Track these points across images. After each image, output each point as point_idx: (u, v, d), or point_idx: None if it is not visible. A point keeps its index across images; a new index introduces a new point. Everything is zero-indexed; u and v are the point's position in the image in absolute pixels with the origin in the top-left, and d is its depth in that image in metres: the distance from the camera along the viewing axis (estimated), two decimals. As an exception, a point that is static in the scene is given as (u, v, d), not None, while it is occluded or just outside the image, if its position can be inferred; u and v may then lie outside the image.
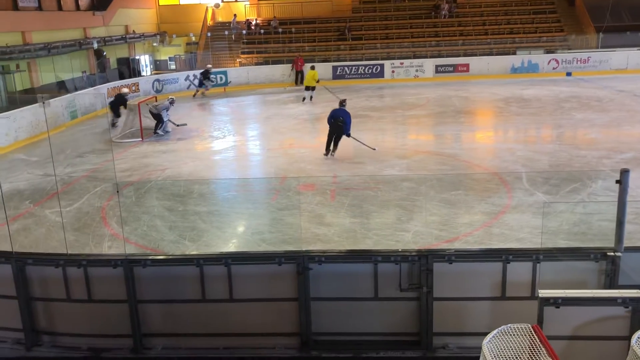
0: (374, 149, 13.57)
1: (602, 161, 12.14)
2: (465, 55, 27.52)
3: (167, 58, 31.06)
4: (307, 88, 22.07)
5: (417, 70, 26.87)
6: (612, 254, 5.46)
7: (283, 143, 15.61)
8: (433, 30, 29.57)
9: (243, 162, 14.60)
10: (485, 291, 5.65)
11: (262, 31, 30.92)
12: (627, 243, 5.65)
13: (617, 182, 5.46)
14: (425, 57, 27.47)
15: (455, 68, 26.89)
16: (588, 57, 26.35)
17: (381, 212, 9.82)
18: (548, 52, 27.14)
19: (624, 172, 5.43)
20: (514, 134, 16.00)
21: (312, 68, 22.77)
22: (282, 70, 27.29)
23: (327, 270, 5.77)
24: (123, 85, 22.67)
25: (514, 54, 27.13)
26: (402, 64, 27.01)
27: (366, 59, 28.00)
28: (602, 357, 4.71)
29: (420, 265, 5.58)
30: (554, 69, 25.94)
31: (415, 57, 27.46)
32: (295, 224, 9.11)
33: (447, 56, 27.55)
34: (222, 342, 5.91)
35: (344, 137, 13.45)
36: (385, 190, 10.88)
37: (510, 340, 4.03)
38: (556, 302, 4.76)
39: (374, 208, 10.00)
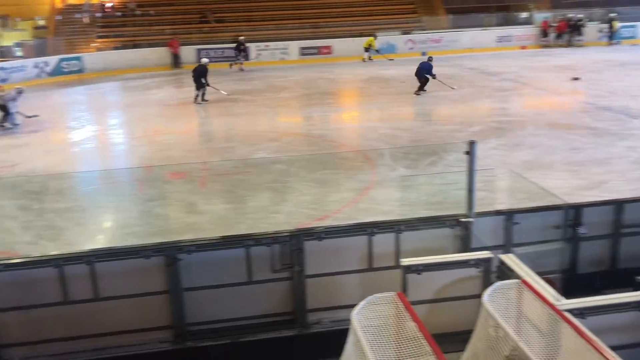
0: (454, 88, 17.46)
1: (455, 134, 13.06)
2: (328, 37, 28.09)
3: (13, 44, 28.34)
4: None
5: (282, 53, 26.98)
6: (465, 220, 5.92)
7: (148, 130, 14.99)
8: (296, 13, 29.81)
9: (105, 153, 13.82)
10: (354, 264, 5.88)
11: (118, 14, 29.24)
12: (478, 209, 6.15)
13: (466, 153, 5.90)
14: (290, 39, 27.66)
15: (319, 50, 27.40)
16: (440, 37, 28.11)
17: (254, 195, 9.82)
18: (404, 33, 28.52)
19: (472, 144, 5.87)
20: (377, 113, 16.69)
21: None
22: (149, 54, 26.06)
23: (199, 259, 5.67)
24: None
25: (373, 35, 28.16)
26: (267, 46, 26.99)
27: (231, 42, 27.60)
28: (459, 316, 5.10)
29: (292, 245, 5.67)
30: (410, 49, 27.34)
31: (280, 39, 27.54)
32: (165, 214, 8.84)
33: (311, 38, 27.95)
34: (90, 343, 5.60)
35: None
36: (257, 174, 10.89)
37: (377, 310, 4.23)
38: (417, 269, 5.07)
39: (247, 192, 9.97)
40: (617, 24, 28.67)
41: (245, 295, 5.78)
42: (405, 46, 27.79)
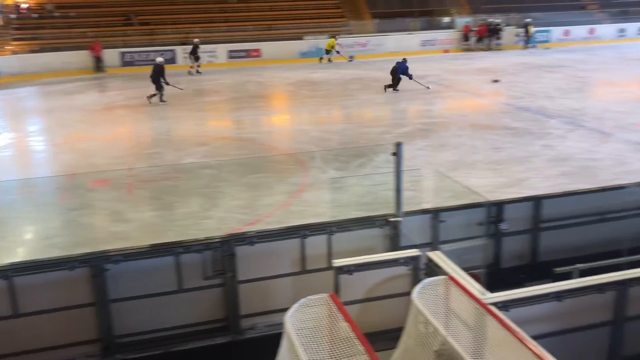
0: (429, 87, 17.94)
1: (384, 136, 13.31)
2: (256, 40, 27.98)
3: None
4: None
5: (210, 56, 26.62)
6: (394, 219, 6.05)
7: (69, 137, 14.38)
8: (223, 16, 29.49)
9: (23, 161, 13.14)
10: (287, 267, 5.88)
11: (35, 15, 27.88)
12: (406, 208, 6.31)
13: (393, 154, 6.04)
14: (218, 42, 27.33)
15: (247, 53, 27.24)
16: (367, 41, 28.62)
17: (183, 202, 9.61)
18: (332, 37, 28.83)
19: (398, 145, 6.02)
20: (307, 116, 16.76)
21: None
22: (70, 58, 24.99)
23: (127, 268, 5.50)
24: None
25: (301, 39, 28.34)
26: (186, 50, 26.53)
27: (157, 45, 26.95)
28: (390, 314, 5.22)
29: (223, 251, 5.60)
30: (338, 52, 27.66)
31: (207, 42, 27.14)
32: (90, 224, 8.51)
33: (239, 41, 27.75)
34: (11, 363, 5.31)
35: None
36: (186, 179, 10.68)
37: (310, 312, 4.25)
38: (349, 270, 5.14)
39: (176, 199, 9.75)
40: (532, 29, 30.19)
41: (176, 303, 5.66)
42: (333, 50, 28.09)
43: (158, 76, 17.68)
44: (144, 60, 25.90)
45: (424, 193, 7.45)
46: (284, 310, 4.37)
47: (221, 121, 16.81)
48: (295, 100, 19.31)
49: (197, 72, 24.68)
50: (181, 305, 5.68)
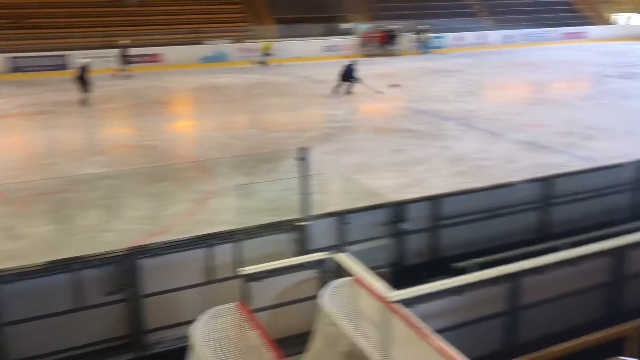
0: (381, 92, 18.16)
1: (290, 141, 13.39)
2: (157, 45, 27.17)
3: None
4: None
5: (105, 61, 25.49)
6: (301, 223, 6.10)
7: (-50, 150, 13.26)
8: (120, 20, 28.39)
9: None
10: (194, 278, 5.75)
11: None
12: (314, 212, 6.37)
13: (299, 159, 6.10)
14: (116, 47, 26.23)
15: (148, 58, 26.38)
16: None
17: (82, 214, 9.15)
18: (235, 41, 28.64)
19: (304, 150, 6.09)
20: (211, 122, 16.50)
21: None
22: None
23: (20, 288, 5.13)
24: None
25: (203, 43, 27.89)
26: (88, 55, 25.30)
27: (49, 50, 25.44)
28: (300, 318, 5.24)
29: (125, 264, 5.38)
30: (242, 57, 27.49)
31: (105, 47, 25.99)
32: (-24, 242, 7.88)
33: (139, 46, 26.81)
34: None
35: None
36: (85, 191, 10.16)
37: (218, 322, 4.19)
38: (257, 277, 5.12)
39: (74, 211, 9.26)
40: (428, 35, 31.57)
41: (76, 323, 5.36)
42: (237, 54, 27.91)
43: (82, 78, 17.46)
44: (35, 67, 24.41)
45: (330, 196, 7.58)
46: (192, 322, 4.28)
47: (121, 129, 16.18)
48: (199, 106, 18.97)
49: (129, 76, 23.85)
50: (81, 324, 5.38)
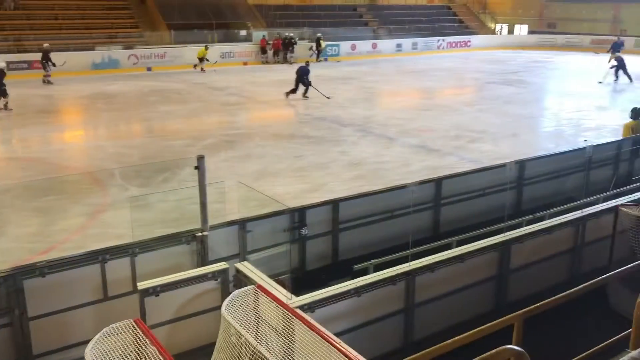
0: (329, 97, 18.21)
1: (188, 149, 13.11)
2: (41, 51, 25.54)
3: None
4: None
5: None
6: (200, 234, 5.98)
7: None
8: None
9: None
10: (87, 296, 5.45)
11: None
12: (213, 221, 6.27)
13: (196, 167, 5.97)
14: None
15: (30, 65, 24.74)
16: (164, 53, 27.91)
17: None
18: (127, 47, 27.60)
19: (200, 159, 5.97)
20: (103, 131, 15.80)
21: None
22: None
23: None
24: None
25: (93, 49, 26.63)
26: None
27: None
28: (202, 330, 5.13)
29: (8, 286, 5.00)
30: (134, 64, 26.57)
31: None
32: None
33: (19, 52, 25.10)
34: None
35: None
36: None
37: (114, 340, 3.99)
38: (155, 291, 4.95)
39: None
40: (324, 43, 32.17)
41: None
42: (129, 61, 26.91)
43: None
44: None
45: (230, 205, 7.47)
46: (86, 342, 4.05)
47: (2, 140, 15.04)
48: (90, 115, 18.06)
49: (49, 81, 22.96)
50: (-41, 355, 4.94)
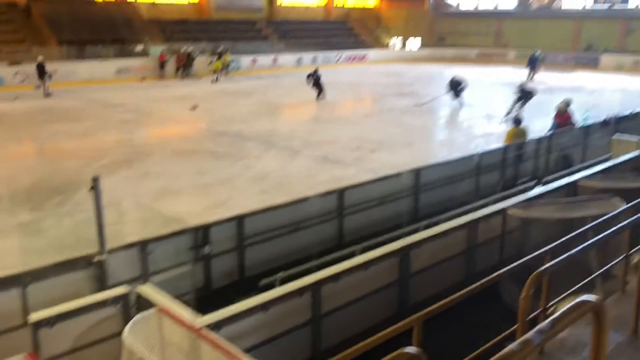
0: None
1: (83, 170, 12.49)
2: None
3: None
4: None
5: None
6: (98, 258, 5.74)
7: None
8: None
9: None
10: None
11: None
12: (112, 244, 6.03)
13: (91, 189, 5.74)
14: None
15: None
16: (55, 69, 26.48)
17: None
18: (13, 64, 25.94)
19: (95, 180, 5.75)
20: (-12, 154, 14.73)
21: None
22: None
23: None
24: None
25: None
26: None
27: None
28: (105, 359, 4.92)
29: None
30: (22, 81, 25.01)
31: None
32: None
33: None
34: None
35: None
36: None
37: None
38: (50, 322, 4.69)
39: None
40: (229, 57, 31.87)
41: None
42: (16, 79, 25.31)
43: None
44: None
45: (130, 226, 7.24)
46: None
47: None
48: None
49: (48, 93, 23.17)
50: None
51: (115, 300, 5.05)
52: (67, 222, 9.55)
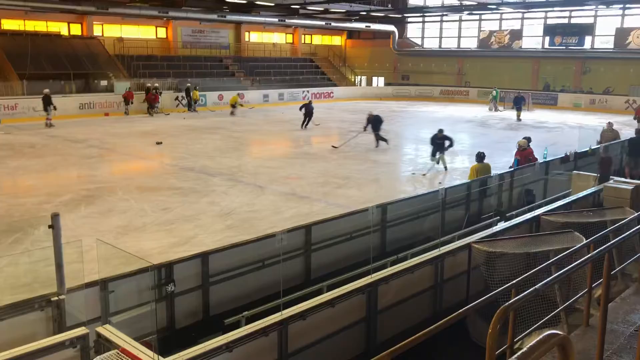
0: None
1: (43, 206, 12.19)
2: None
3: None
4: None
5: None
6: (56, 298, 5.53)
7: None
8: None
9: None
10: None
11: None
12: (71, 283, 5.82)
13: (50, 226, 5.57)
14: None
15: None
16: (15, 104, 26.04)
17: None
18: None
19: (55, 216, 5.58)
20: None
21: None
22: None
23: None
24: None
25: None
26: None
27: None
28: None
29: None
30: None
31: None
32: None
33: None
34: None
35: None
36: None
37: None
38: (4, 366, 4.46)
39: None
40: (197, 93, 31.87)
41: None
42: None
43: None
44: None
45: (90, 264, 7.01)
46: None
47: None
48: None
49: (51, 124, 24.20)
50: None
51: (73, 341, 4.84)
52: (24, 261, 9.23)
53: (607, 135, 16.75)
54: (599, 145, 15.16)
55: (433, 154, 16.69)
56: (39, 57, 29.28)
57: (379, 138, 20.48)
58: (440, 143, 16.43)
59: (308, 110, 25.27)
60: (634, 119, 25.84)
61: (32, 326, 5.46)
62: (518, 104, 30.67)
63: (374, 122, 20.65)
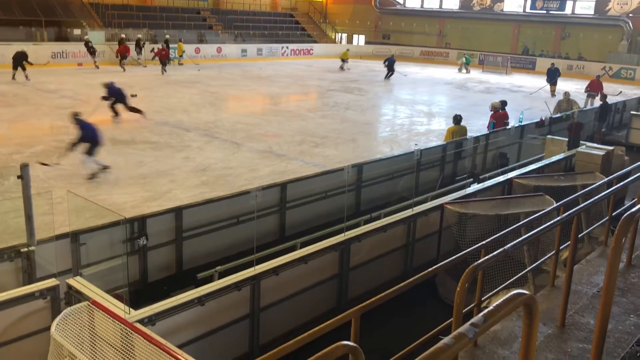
0: None
1: (13, 157, 11.93)
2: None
3: None
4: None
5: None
6: (26, 249, 5.47)
7: None
8: None
9: None
10: None
11: None
12: (42, 234, 5.76)
13: (19, 177, 5.47)
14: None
15: None
16: (-16, 51, 25.14)
17: None
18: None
19: (24, 167, 5.48)
20: None
21: None
22: None
23: None
24: None
25: None
26: None
27: None
28: (32, 355, 4.69)
29: None
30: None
31: None
32: None
33: None
34: None
35: None
36: None
37: None
38: (-29, 316, 4.43)
39: None
40: (182, 46, 30.86)
41: None
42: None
43: None
44: None
45: (62, 216, 6.92)
46: None
47: None
48: None
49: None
50: None
51: (43, 293, 4.82)
52: (-7, 212, 9.07)
53: (563, 105, 16.83)
54: (570, 112, 15.29)
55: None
56: (8, 2, 28.14)
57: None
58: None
59: (390, 63, 28.89)
60: (585, 92, 22.22)
61: (1, 277, 5.42)
62: (553, 78, 25.80)
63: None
